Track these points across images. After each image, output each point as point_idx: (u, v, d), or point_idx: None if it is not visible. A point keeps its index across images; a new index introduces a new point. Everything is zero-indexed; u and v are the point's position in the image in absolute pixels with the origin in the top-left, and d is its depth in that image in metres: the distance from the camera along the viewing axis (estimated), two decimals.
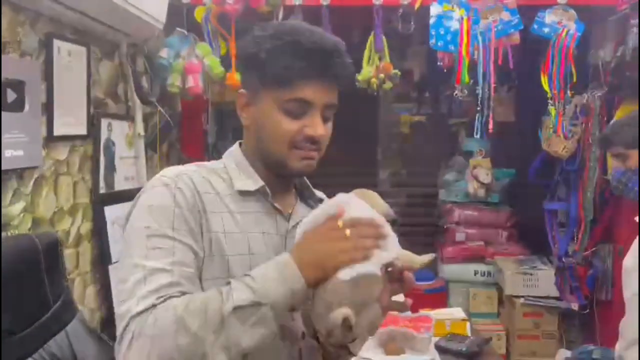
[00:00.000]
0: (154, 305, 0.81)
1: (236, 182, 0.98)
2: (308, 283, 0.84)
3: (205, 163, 1.04)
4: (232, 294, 0.82)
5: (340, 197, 0.93)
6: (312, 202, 1.06)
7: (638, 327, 1.56)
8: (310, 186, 1.08)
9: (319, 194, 1.10)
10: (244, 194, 0.98)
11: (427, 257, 0.94)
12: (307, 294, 0.86)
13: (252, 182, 0.99)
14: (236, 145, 1.05)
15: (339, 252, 0.85)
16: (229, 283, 0.84)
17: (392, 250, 0.89)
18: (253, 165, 1.01)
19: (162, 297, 0.82)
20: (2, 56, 1.46)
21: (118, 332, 0.84)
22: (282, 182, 1.01)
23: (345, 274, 0.84)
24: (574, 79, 2.45)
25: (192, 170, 0.97)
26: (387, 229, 0.90)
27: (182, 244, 0.88)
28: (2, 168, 1.45)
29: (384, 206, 0.96)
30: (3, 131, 1.44)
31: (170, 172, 0.95)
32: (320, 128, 0.94)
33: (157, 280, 0.84)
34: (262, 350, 0.85)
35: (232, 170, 1.00)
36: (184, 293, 0.84)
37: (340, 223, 0.87)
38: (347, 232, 0.86)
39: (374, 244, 0.87)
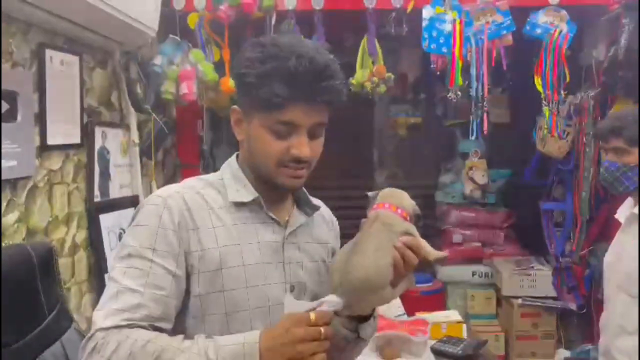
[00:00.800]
0: (119, 327, 0.86)
1: (231, 194, 1.00)
2: None
3: (205, 176, 1.06)
4: (186, 356, 0.84)
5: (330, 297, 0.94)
6: (308, 209, 1.08)
7: (638, 321, 1.58)
8: (307, 193, 1.09)
9: (316, 201, 1.11)
10: (238, 205, 1.00)
11: (442, 254, 1.02)
12: None
13: (247, 193, 1.00)
14: (233, 157, 1.07)
15: (306, 352, 0.85)
16: (209, 336, 0.88)
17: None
18: (248, 176, 1.03)
19: (127, 319, 0.87)
20: None
21: (86, 335, 0.89)
22: (277, 192, 1.02)
23: None
24: (567, 79, 2.46)
25: (188, 186, 1.01)
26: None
27: (158, 266, 0.92)
28: None
29: (411, 205, 1.03)
30: None
31: (164, 191, 0.99)
32: (305, 149, 0.95)
33: (126, 300, 0.89)
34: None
35: (228, 181, 1.02)
36: (149, 316, 0.89)
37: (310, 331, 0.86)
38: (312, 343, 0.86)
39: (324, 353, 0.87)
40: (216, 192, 1.01)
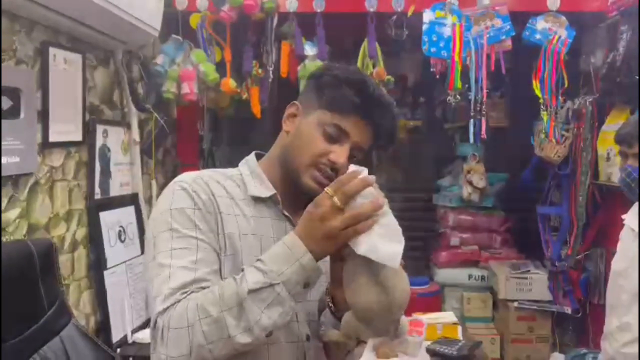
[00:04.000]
0: (178, 301, 0.87)
1: (250, 188, 1.04)
2: (316, 257, 0.88)
3: (222, 170, 1.09)
4: (245, 279, 0.87)
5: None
6: None
7: (638, 325, 1.57)
8: None
9: None
10: (256, 199, 1.04)
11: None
12: (318, 269, 0.89)
13: (265, 189, 1.05)
14: (252, 155, 1.11)
15: (341, 226, 0.87)
16: (242, 270, 0.90)
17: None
18: (268, 173, 1.06)
19: (185, 292, 0.88)
20: None
21: (150, 333, 0.92)
22: (294, 192, 1.04)
23: (358, 248, 0.87)
24: (566, 85, 2.48)
25: (207, 175, 1.04)
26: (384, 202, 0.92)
27: (204, 242, 0.94)
28: None
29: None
30: None
31: (187, 176, 1.02)
32: (344, 158, 1.00)
33: (181, 278, 0.90)
34: (268, 352, 0.93)
35: (247, 177, 1.06)
36: (206, 289, 0.90)
37: (336, 200, 0.88)
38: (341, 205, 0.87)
39: (372, 212, 0.88)
40: (235, 185, 1.04)
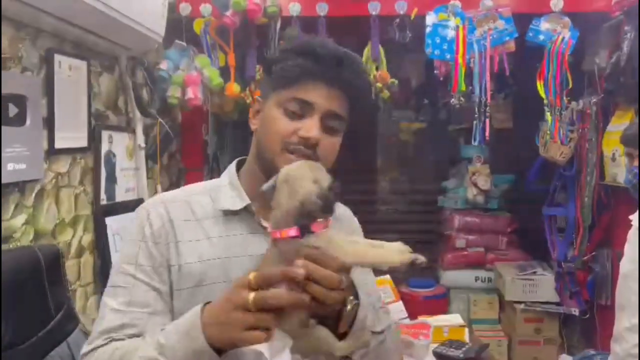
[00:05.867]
0: (98, 346, 0.86)
1: (221, 202, 0.96)
2: (212, 346, 0.76)
3: (209, 181, 1.04)
4: (145, 344, 0.82)
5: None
6: None
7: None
8: None
9: None
10: (227, 214, 0.95)
11: (413, 257, 0.79)
12: (214, 356, 0.77)
13: (239, 200, 0.96)
14: (233, 163, 1.04)
15: (240, 326, 0.74)
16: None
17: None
18: (248, 181, 0.98)
19: (108, 338, 0.86)
20: (3, 72, 1.49)
21: None
22: None
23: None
24: (570, 86, 2.47)
25: (180, 195, 0.98)
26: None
27: (141, 282, 0.90)
28: (4, 182, 1.48)
29: (327, 179, 0.83)
30: (5, 145, 1.46)
31: (151, 202, 0.98)
32: (315, 130, 0.90)
33: (108, 322, 0.88)
34: None
35: (223, 188, 0.98)
36: (134, 335, 0.86)
37: (250, 297, 0.73)
38: (250, 300, 0.74)
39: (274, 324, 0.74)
40: (209, 200, 0.97)
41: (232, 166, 1.03)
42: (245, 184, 0.99)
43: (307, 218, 0.79)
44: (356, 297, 0.85)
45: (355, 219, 1.14)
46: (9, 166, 1.49)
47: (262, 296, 0.74)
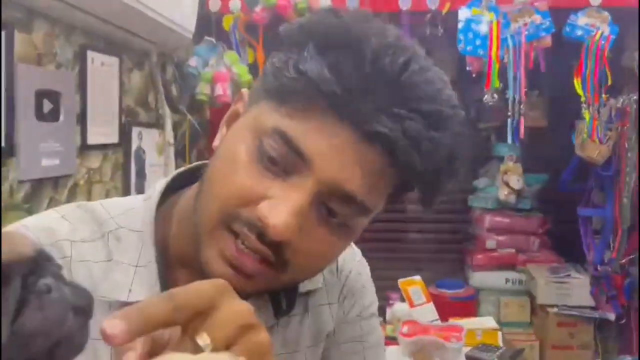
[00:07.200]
0: None
1: (115, 256, 0.55)
2: None
3: (110, 203, 0.60)
4: None
5: None
6: (285, 299, 0.62)
7: None
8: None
9: (312, 282, 0.65)
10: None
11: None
12: None
13: (134, 259, 0.55)
14: (162, 182, 0.59)
15: None
16: None
17: None
18: (170, 223, 0.57)
19: None
20: (39, 68, 1.50)
21: None
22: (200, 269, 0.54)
23: None
24: (609, 82, 2.39)
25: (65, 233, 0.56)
26: None
27: None
28: (39, 177, 1.50)
29: None
30: (39, 140, 1.48)
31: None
32: (287, 215, 0.45)
33: None
34: None
35: (124, 231, 0.56)
36: None
37: None
38: None
39: None
40: (103, 245, 0.55)
41: (159, 188, 0.58)
42: (163, 232, 0.56)
43: None
44: None
45: (366, 269, 0.73)
46: (43, 162, 1.51)
47: None
